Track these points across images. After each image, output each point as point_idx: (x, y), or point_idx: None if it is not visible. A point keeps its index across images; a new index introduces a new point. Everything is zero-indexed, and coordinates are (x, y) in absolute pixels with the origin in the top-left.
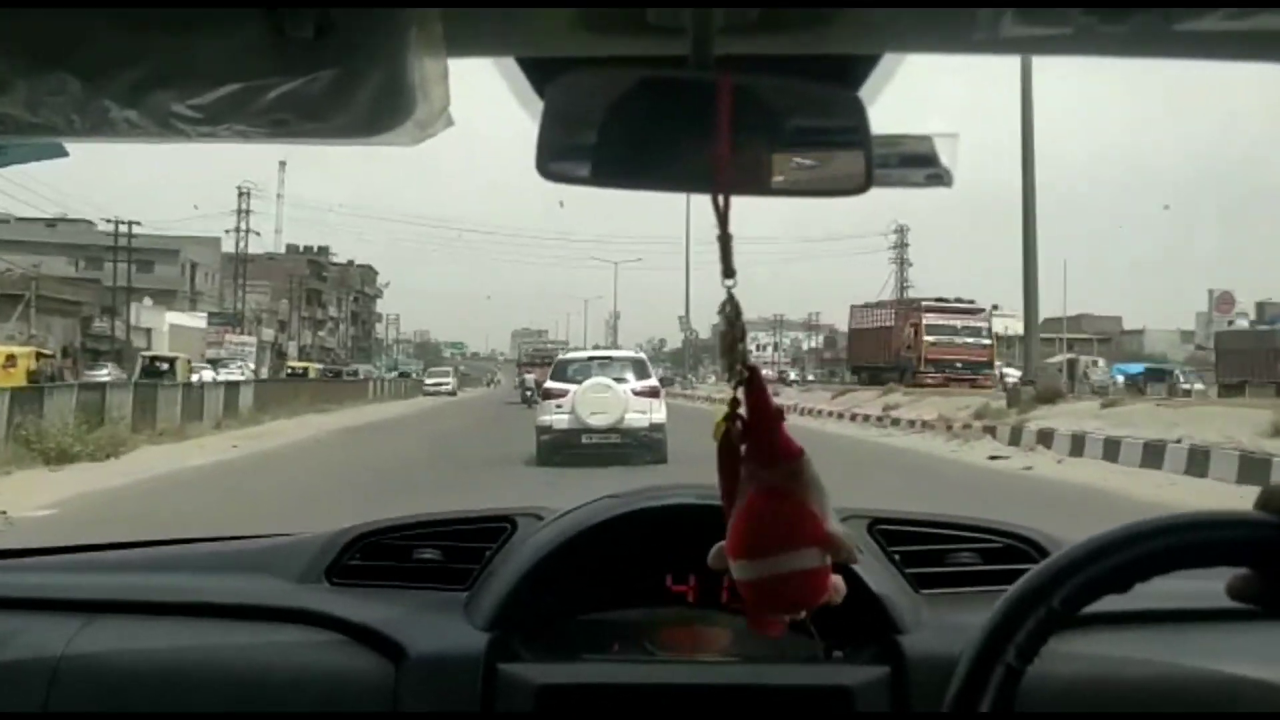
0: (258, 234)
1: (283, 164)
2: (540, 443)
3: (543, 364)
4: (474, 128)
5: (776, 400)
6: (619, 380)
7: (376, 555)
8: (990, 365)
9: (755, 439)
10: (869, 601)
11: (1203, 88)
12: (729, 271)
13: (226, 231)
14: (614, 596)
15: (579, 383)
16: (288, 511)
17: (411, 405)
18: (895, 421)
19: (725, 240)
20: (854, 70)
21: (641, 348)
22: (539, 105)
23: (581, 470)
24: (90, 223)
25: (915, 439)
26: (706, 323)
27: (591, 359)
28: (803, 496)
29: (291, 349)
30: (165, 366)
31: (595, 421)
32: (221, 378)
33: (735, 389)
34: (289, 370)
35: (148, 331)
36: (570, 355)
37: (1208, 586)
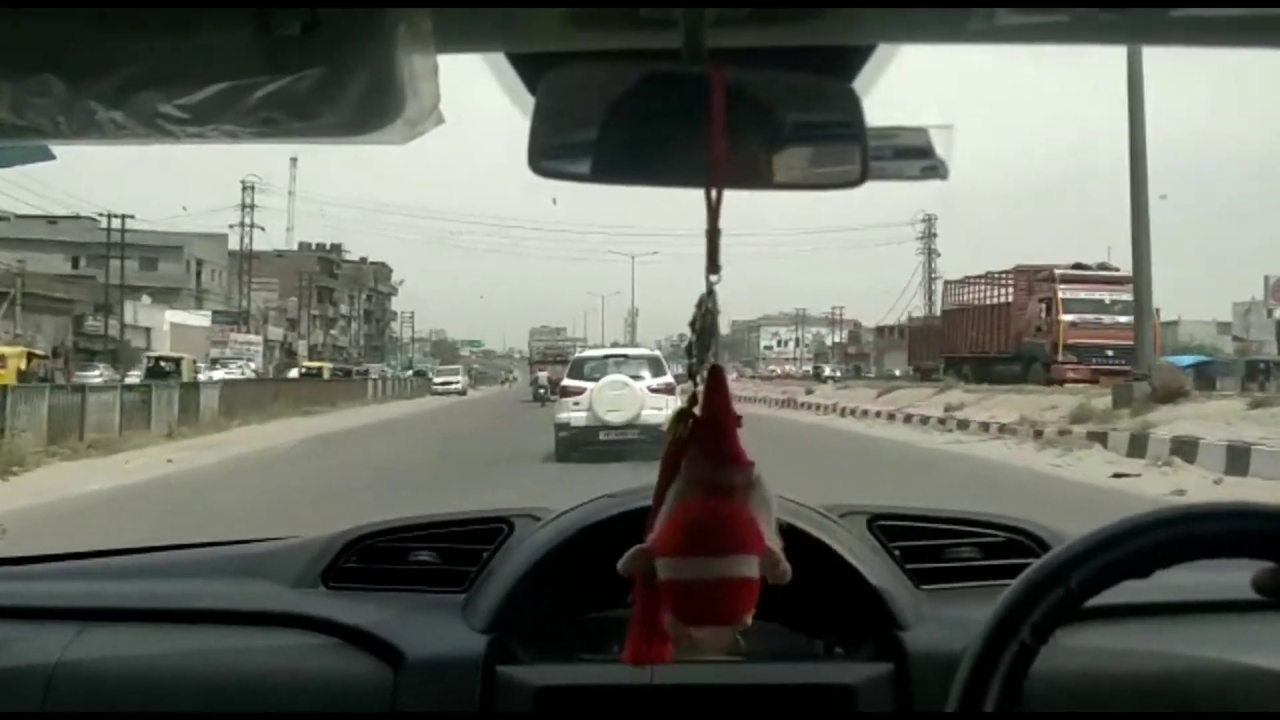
0: (263, 229)
1: (294, 160)
2: (559, 439)
3: (556, 361)
4: (484, 122)
5: (810, 397)
6: (635, 378)
7: (373, 558)
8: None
9: (708, 440)
10: (869, 598)
11: (1234, 75)
12: (714, 267)
13: (231, 227)
14: (612, 597)
15: (596, 380)
16: None
17: (415, 406)
18: (963, 425)
19: (714, 235)
20: (848, 62)
21: (660, 344)
22: (530, 102)
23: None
24: (94, 219)
25: (996, 448)
26: (725, 319)
27: (608, 357)
28: (748, 505)
29: (301, 348)
30: (171, 367)
31: (612, 418)
32: (219, 377)
33: (696, 385)
34: (303, 370)
35: (147, 331)
36: (587, 354)
37: (1214, 579)
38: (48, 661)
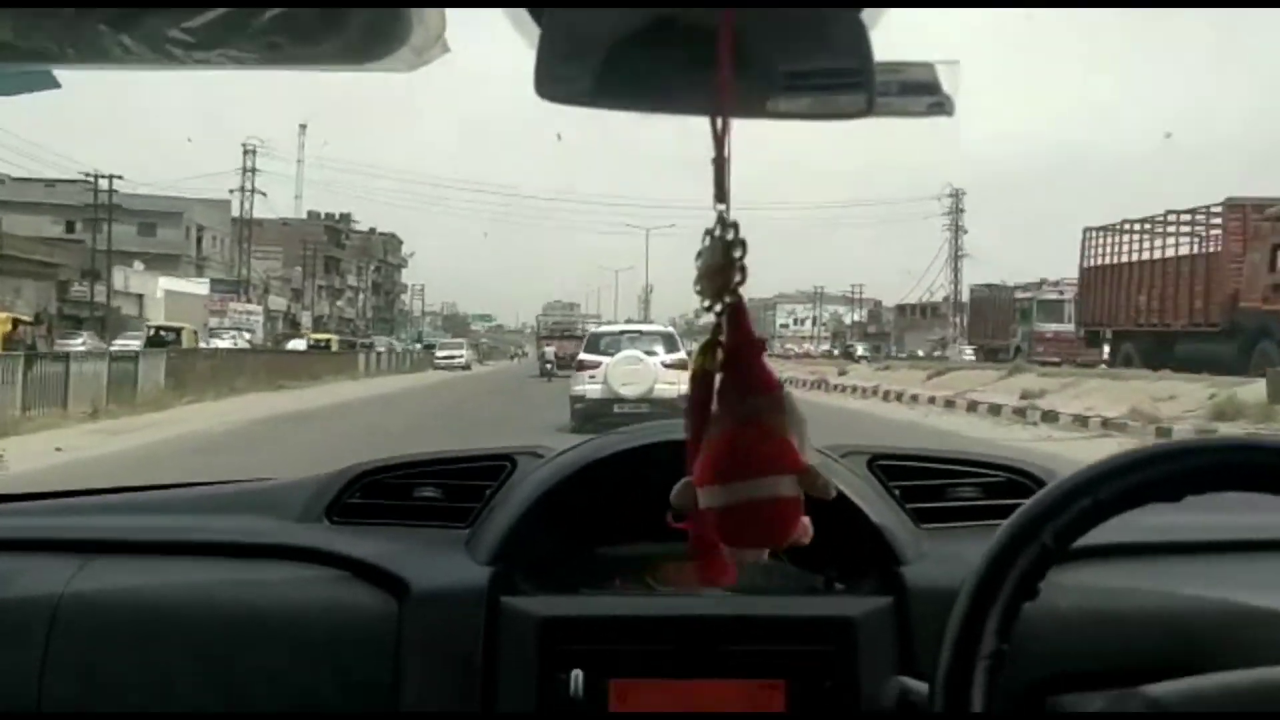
0: (264, 194)
1: (303, 127)
2: (574, 410)
3: (564, 337)
4: (496, 84)
5: (844, 379)
6: (649, 353)
7: (377, 494)
8: None
9: (734, 371)
10: (870, 534)
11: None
12: (722, 195)
13: (231, 191)
14: (615, 532)
15: (611, 355)
16: None
17: (412, 381)
18: (1049, 417)
19: (721, 163)
20: None
21: (674, 321)
22: (536, 31)
23: None
24: (89, 183)
25: (1108, 450)
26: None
27: (623, 332)
28: (781, 428)
29: (306, 319)
30: (171, 337)
31: (626, 392)
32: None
33: (719, 317)
34: (311, 342)
35: (139, 298)
36: (604, 329)
37: (1209, 520)
38: (53, 593)
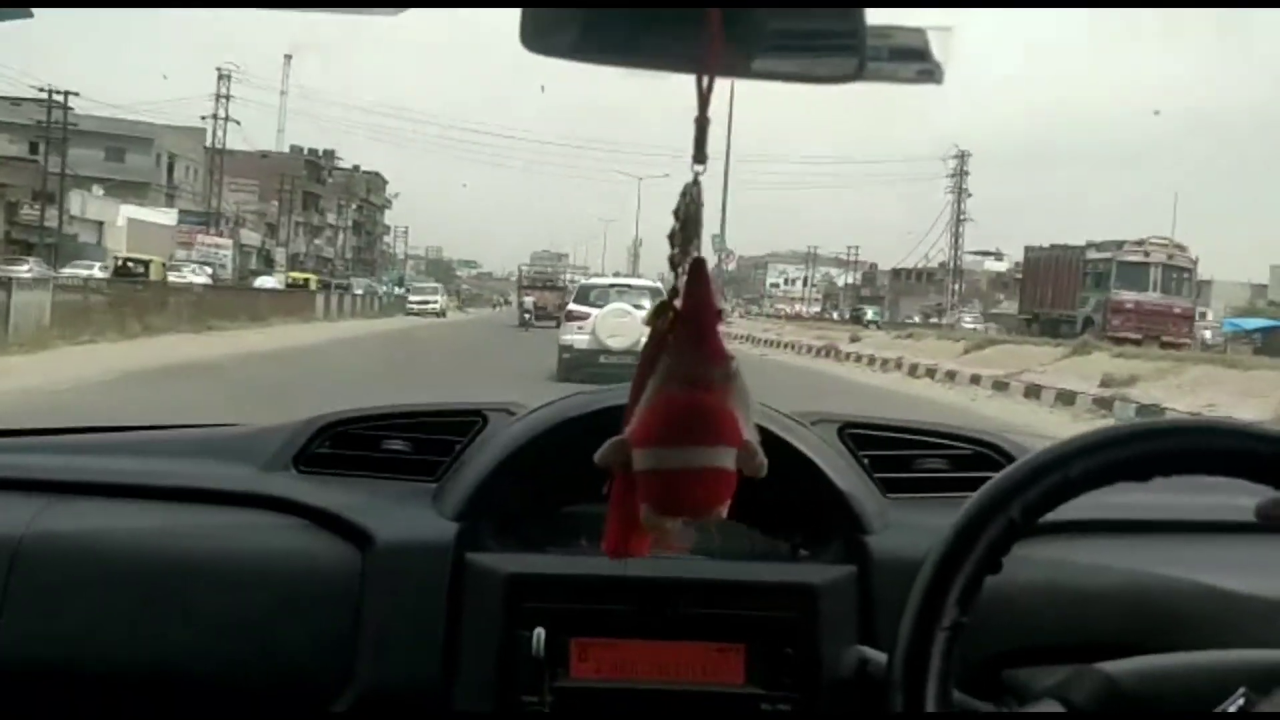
0: (237, 123)
1: (288, 57)
2: (561, 360)
3: (544, 287)
4: (499, 30)
5: (857, 347)
6: (637, 306)
7: (345, 445)
8: None
9: (688, 334)
10: (836, 502)
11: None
12: (701, 157)
13: (203, 118)
14: (583, 491)
15: (600, 307)
16: None
17: (378, 325)
18: (1148, 412)
19: (702, 123)
20: None
21: (663, 276)
22: None
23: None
24: (59, 103)
25: None
26: (745, 248)
27: (612, 285)
28: (727, 398)
29: (280, 256)
30: (141, 269)
31: (613, 344)
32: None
33: (678, 277)
34: (290, 281)
35: (99, 225)
36: (594, 281)
37: (1173, 500)
38: (14, 533)
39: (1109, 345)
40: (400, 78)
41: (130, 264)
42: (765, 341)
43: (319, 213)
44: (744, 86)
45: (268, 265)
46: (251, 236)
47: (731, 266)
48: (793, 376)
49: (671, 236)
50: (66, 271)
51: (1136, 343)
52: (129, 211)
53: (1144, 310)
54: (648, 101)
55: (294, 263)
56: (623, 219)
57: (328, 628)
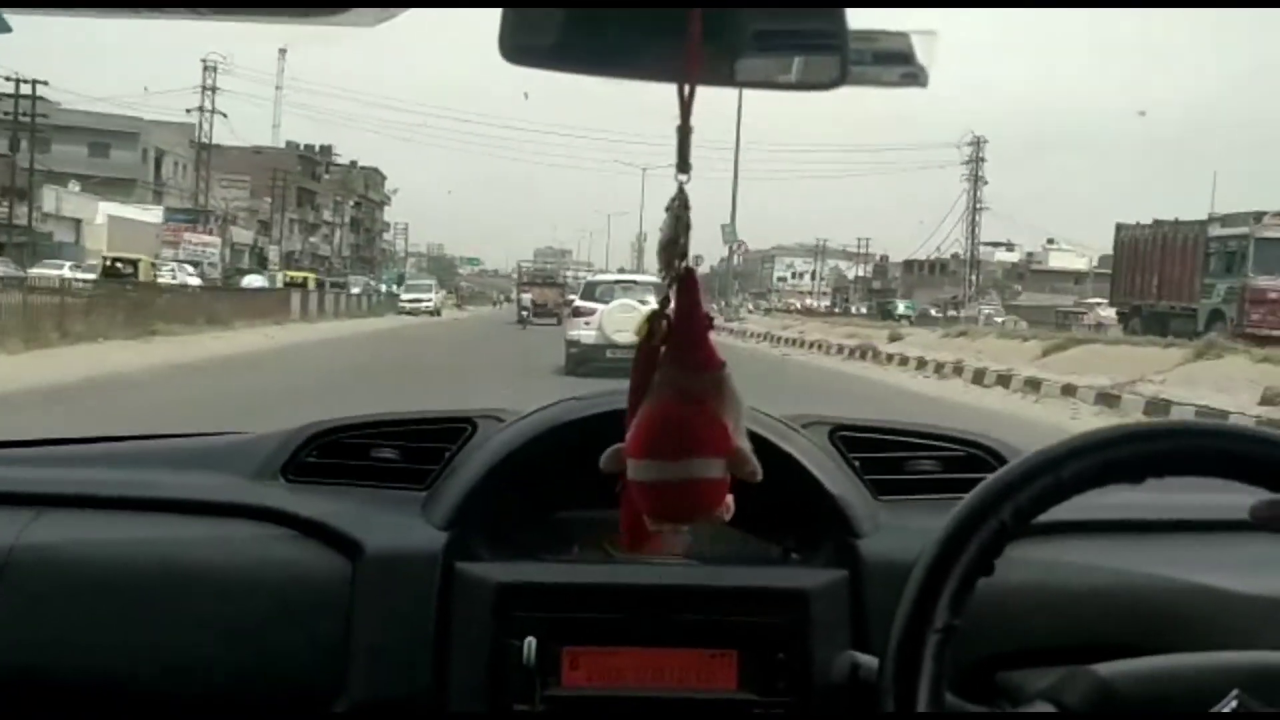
0: (224, 115)
1: (283, 51)
2: (569, 354)
3: (544, 284)
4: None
5: (897, 347)
6: (642, 302)
7: (333, 453)
8: None
9: (680, 343)
10: (827, 506)
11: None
12: (684, 166)
13: (188, 111)
14: (574, 498)
15: (606, 303)
16: None
17: (363, 326)
18: None
19: (685, 132)
20: None
21: None
22: None
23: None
24: (43, 97)
25: None
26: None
27: (617, 282)
28: (718, 408)
29: (274, 254)
30: (129, 269)
31: (619, 338)
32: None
33: (669, 286)
34: (289, 280)
35: (76, 223)
36: (599, 278)
37: (1165, 499)
38: (3, 546)
39: (1245, 345)
40: (398, 72)
41: (119, 264)
42: (786, 340)
43: (314, 209)
44: None
45: (261, 264)
46: (244, 235)
47: (740, 259)
48: (841, 383)
49: (663, 248)
50: (35, 272)
51: None
52: (109, 209)
53: None
54: (650, 89)
55: (289, 261)
56: (626, 212)
57: (318, 639)
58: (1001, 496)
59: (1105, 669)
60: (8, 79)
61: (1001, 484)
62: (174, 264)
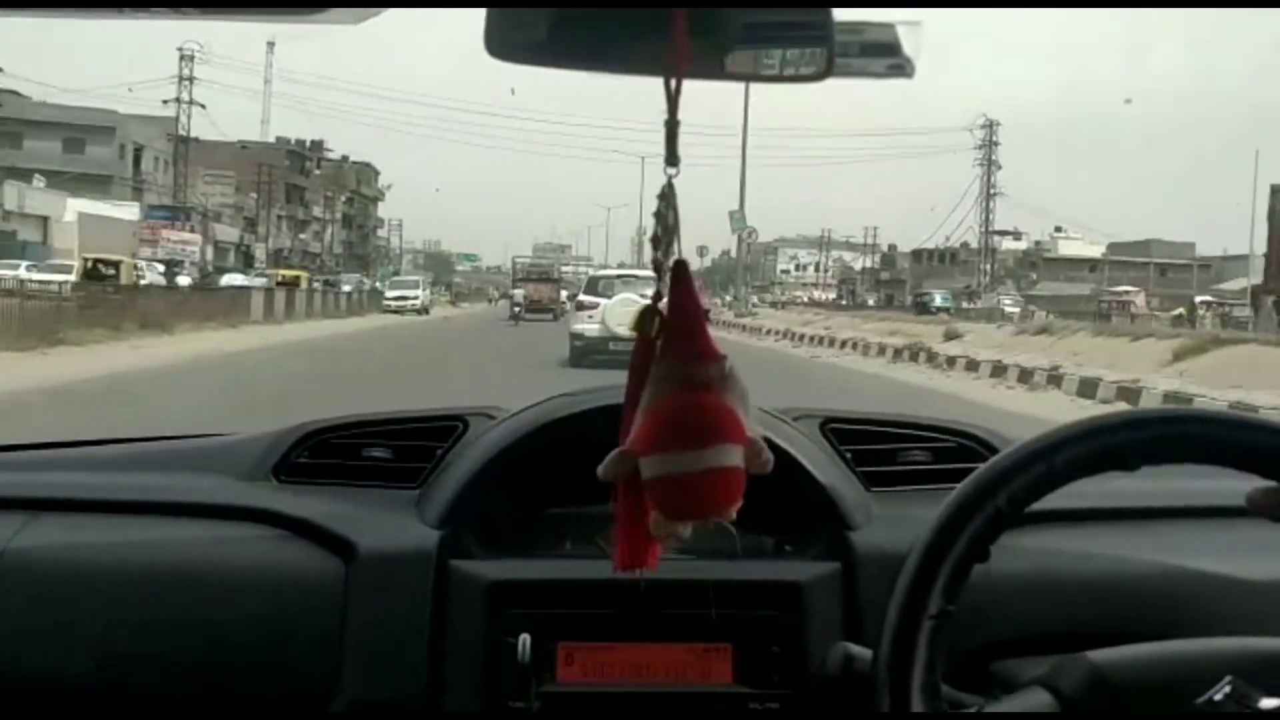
0: (203, 106)
1: (270, 45)
2: (573, 347)
3: (538, 280)
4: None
5: (955, 347)
6: (644, 296)
7: (325, 453)
8: None
9: (678, 336)
10: (819, 498)
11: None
12: (673, 160)
13: (165, 102)
14: (566, 494)
15: (609, 297)
16: None
17: (338, 328)
18: None
19: (673, 126)
20: None
21: None
22: None
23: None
24: (15, 92)
25: None
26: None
27: (619, 276)
28: (725, 397)
29: (260, 252)
30: (111, 271)
31: (621, 331)
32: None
33: (661, 280)
34: (279, 279)
35: (43, 220)
36: (602, 273)
37: (1158, 486)
38: None
39: None
40: (392, 66)
41: (100, 265)
42: (811, 339)
43: (304, 205)
44: None
45: (247, 262)
46: (229, 232)
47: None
48: (902, 400)
49: (654, 241)
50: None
51: None
52: (79, 205)
53: None
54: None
55: (278, 259)
56: (626, 205)
57: (313, 639)
58: (997, 483)
59: (1099, 656)
60: None
61: (996, 471)
62: (144, 263)
